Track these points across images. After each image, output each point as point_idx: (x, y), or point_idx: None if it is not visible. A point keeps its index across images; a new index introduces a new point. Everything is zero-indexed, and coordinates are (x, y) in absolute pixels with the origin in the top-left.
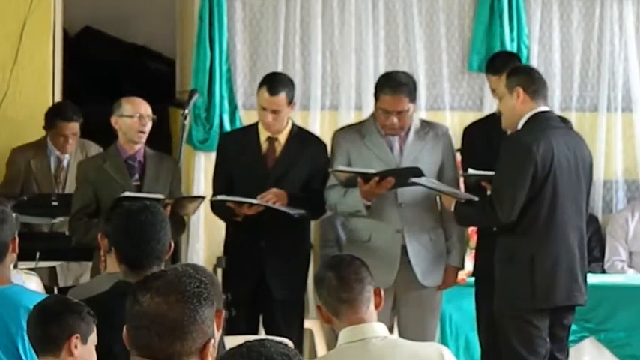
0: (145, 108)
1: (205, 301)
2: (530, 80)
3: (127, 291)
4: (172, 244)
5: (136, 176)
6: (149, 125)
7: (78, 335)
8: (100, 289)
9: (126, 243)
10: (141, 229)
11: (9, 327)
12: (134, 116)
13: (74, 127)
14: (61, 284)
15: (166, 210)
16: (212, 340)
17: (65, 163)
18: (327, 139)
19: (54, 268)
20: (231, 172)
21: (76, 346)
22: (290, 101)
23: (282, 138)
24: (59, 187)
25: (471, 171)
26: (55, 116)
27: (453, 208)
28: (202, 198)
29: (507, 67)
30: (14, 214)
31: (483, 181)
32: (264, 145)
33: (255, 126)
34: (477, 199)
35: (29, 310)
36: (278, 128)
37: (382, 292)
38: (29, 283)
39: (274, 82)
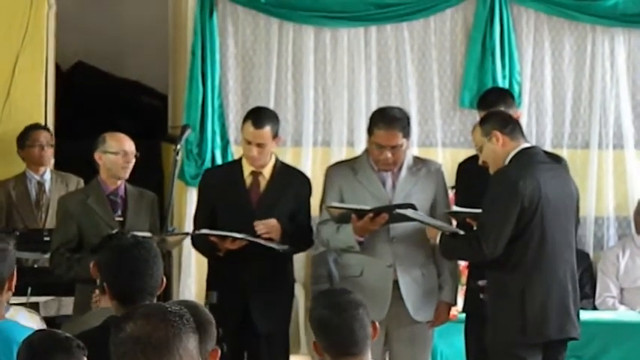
0: (129, 145)
1: (188, 322)
2: (503, 121)
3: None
4: (164, 280)
5: (119, 212)
6: (132, 161)
7: None
8: (93, 323)
9: (118, 279)
10: (134, 264)
11: None
12: (119, 153)
13: (46, 135)
14: (43, 314)
15: None
16: None
17: (46, 187)
18: (319, 176)
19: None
20: (215, 207)
21: None
22: (275, 135)
23: (267, 172)
24: (41, 214)
25: (455, 208)
26: (26, 131)
27: (437, 240)
28: (187, 234)
29: (499, 102)
30: (12, 249)
31: (469, 218)
32: (247, 180)
33: (238, 161)
34: (461, 232)
35: None
36: (262, 162)
37: (377, 326)
38: (32, 322)
39: (259, 116)
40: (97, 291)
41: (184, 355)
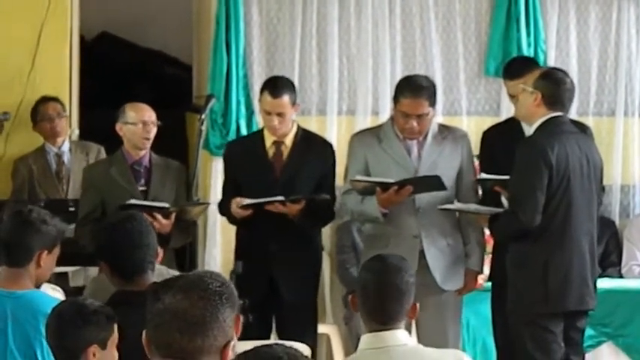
0: (148, 114)
1: (227, 301)
2: (553, 92)
3: (126, 300)
4: (160, 250)
5: (142, 181)
6: (153, 131)
7: (96, 345)
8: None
9: (117, 255)
10: (129, 238)
11: (27, 333)
12: (138, 123)
13: (54, 106)
14: (72, 284)
15: (171, 217)
16: (232, 342)
17: (65, 158)
18: (344, 144)
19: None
20: (239, 179)
21: (94, 355)
22: (293, 103)
23: (288, 141)
24: (62, 186)
25: (483, 175)
26: (35, 107)
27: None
28: (207, 204)
29: (524, 71)
30: (59, 228)
31: (497, 185)
32: (270, 151)
33: (260, 132)
34: (499, 210)
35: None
36: (284, 132)
37: (417, 307)
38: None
39: (276, 86)
40: None
41: (219, 334)
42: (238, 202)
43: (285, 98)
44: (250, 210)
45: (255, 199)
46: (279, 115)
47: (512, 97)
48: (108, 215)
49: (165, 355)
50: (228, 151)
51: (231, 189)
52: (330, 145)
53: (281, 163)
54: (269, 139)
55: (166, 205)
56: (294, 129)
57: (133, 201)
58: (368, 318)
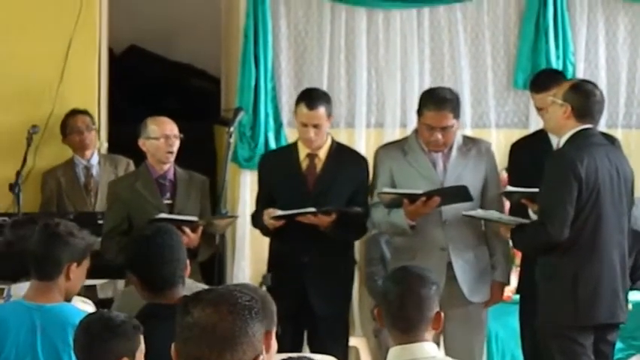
0: (170, 128)
1: (256, 315)
2: (582, 104)
3: (156, 313)
4: (188, 263)
5: (168, 195)
6: (176, 144)
7: (125, 358)
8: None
9: (147, 269)
10: (160, 252)
11: (56, 345)
12: (160, 137)
13: (83, 119)
14: (100, 296)
15: (198, 231)
16: (261, 357)
17: (94, 171)
18: (372, 157)
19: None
20: (272, 191)
21: None
22: (329, 115)
23: (322, 154)
24: (90, 198)
25: (510, 188)
26: (64, 119)
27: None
28: (235, 217)
29: (551, 84)
30: (87, 240)
31: (524, 198)
32: (304, 163)
33: (294, 145)
34: (525, 221)
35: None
36: (319, 143)
37: (442, 316)
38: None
39: (312, 97)
40: None
41: (248, 349)
42: (270, 213)
43: (321, 110)
44: (282, 221)
45: (286, 211)
46: (315, 126)
47: (540, 109)
48: (138, 228)
49: None
50: (262, 162)
51: (265, 201)
52: (365, 159)
53: (314, 176)
54: (303, 152)
55: (195, 218)
56: (329, 142)
57: (162, 215)
58: (391, 327)
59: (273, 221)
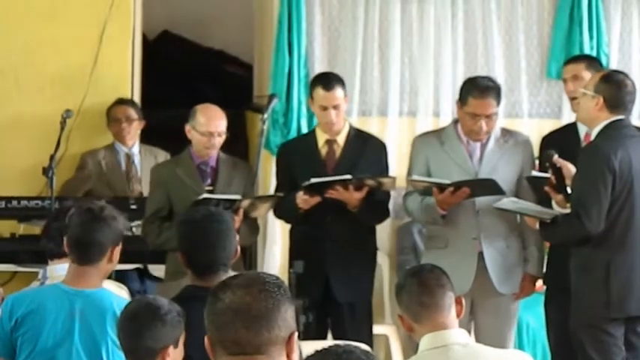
0: (216, 124)
1: (285, 292)
2: (614, 95)
3: (195, 294)
4: (239, 249)
5: (209, 181)
6: (219, 142)
7: (172, 345)
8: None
9: (192, 251)
10: (207, 238)
11: (94, 331)
12: (205, 134)
13: (125, 110)
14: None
15: (239, 213)
16: (296, 334)
17: (135, 159)
18: (404, 146)
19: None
20: (293, 179)
21: (169, 355)
22: (345, 95)
23: (341, 140)
24: (131, 184)
25: (534, 173)
26: (110, 106)
27: (537, 227)
28: (276, 196)
29: (584, 59)
30: (124, 224)
31: (548, 187)
32: (323, 150)
33: (312, 132)
34: (556, 212)
35: (116, 316)
36: (339, 127)
37: (463, 301)
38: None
39: (328, 78)
40: None
41: (283, 325)
42: (302, 196)
43: (339, 90)
44: (316, 199)
45: (322, 178)
46: (335, 107)
47: (573, 99)
48: (195, 209)
49: (233, 352)
50: (281, 151)
51: (286, 189)
52: (383, 143)
53: (334, 162)
54: (322, 138)
55: (238, 196)
56: (347, 127)
57: (205, 195)
58: (421, 316)
59: (307, 198)
